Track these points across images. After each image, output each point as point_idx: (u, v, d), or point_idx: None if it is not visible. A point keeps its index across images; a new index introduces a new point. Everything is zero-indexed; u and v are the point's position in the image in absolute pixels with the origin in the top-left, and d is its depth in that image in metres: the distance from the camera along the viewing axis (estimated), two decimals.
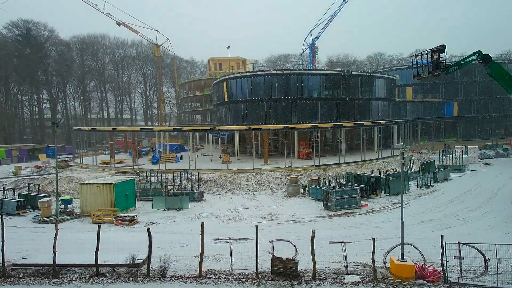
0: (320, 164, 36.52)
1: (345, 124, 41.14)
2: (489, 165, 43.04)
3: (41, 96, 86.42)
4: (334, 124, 41.20)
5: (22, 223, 23.02)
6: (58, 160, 30.52)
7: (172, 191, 28.87)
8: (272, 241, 14.01)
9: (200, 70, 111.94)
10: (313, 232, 13.34)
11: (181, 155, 46.36)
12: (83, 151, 46.46)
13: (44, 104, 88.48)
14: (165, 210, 25.53)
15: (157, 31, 75.95)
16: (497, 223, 20.94)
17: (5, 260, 13.75)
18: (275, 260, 13.68)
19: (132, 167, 38.62)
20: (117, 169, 38.04)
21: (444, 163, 40.42)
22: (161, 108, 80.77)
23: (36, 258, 14.89)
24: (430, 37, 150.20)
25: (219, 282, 12.93)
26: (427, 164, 36.35)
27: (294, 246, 13.95)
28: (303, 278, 13.22)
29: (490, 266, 12.57)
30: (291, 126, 38.59)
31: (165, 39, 78.96)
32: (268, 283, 12.80)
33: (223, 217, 23.73)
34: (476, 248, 12.79)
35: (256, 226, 13.65)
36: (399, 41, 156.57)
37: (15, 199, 26.21)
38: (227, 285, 12.77)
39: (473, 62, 22.36)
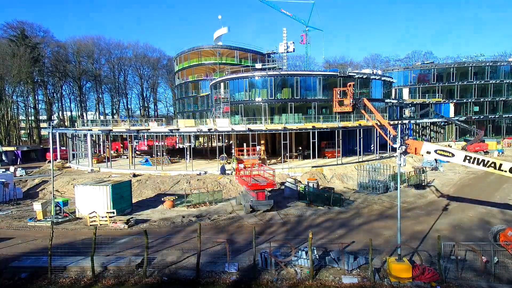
0: (318, 165, 36.50)
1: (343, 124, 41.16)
2: None
3: (36, 97, 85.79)
4: (332, 125, 41.14)
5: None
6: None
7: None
8: (270, 242, 14.00)
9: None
10: (311, 233, 13.34)
11: (178, 156, 46.18)
12: (79, 152, 46.09)
13: (40, 105, 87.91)
14: (162, 213, 25.36)
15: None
16: None
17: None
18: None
19: (129, 168, 38.39)
20: (113, 170, 37.81)
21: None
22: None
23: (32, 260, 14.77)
24: (428, 38, 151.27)
25: (218, 282, 12.86)
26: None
27: (293, 248, 13.95)
28: (301, 278, 13.20)
29: (488, 266, 12.62)
30: (288, 127, 38.57)
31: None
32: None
33: (221, 218, 23.61)
34: (473, 248, 12.84)
35: (254, 227, 13.63)
36: (396, 43, 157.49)
37: None
38: (226, 285, 12.70)
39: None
